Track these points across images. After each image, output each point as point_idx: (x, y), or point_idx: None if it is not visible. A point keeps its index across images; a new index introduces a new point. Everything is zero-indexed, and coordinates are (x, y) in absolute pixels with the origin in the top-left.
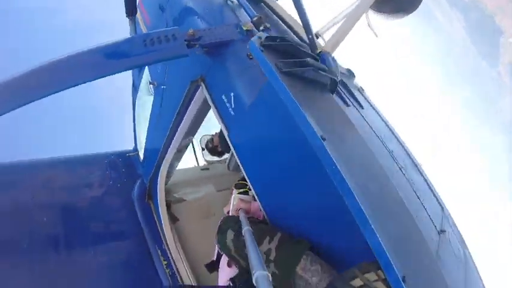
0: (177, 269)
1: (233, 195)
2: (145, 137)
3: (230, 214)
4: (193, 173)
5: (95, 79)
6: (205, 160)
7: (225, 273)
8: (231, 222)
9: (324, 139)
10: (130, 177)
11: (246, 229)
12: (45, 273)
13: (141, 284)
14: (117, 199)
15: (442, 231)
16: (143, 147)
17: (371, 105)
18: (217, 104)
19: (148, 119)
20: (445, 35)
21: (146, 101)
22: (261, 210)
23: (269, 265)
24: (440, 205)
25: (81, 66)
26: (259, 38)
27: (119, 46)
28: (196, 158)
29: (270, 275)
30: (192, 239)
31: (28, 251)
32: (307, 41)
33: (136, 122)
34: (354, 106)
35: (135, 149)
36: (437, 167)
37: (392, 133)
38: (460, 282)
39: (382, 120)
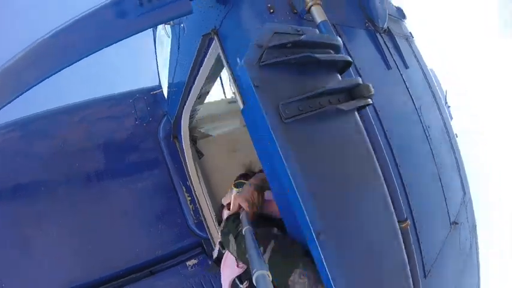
0: (199, 204)
1: (233, 195)
2: (166, 77)
3: (231, 213)
4: (220, 106)
5: (86, 55)
6: (233, 92)
7: (230, 270)
8: (231, 226)
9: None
10: (155, 115)
11: (246, 228)
12: (83, 204)
13: (166, 219)
14: (143, 138)
15: (454, 223)
16: (166, 86)
17: (417, 60)
18: (231, 62)
19: (168, 60)
20: None
21: (164, 40)
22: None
23: None
24: (464, 190)
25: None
26: (256, 50)
27: (106, 11)
28: (224, 90)
29: (269, 274)
30: (216, 175)
31: (67, 186)
32: None
33: (157, 59)
34: (397, 67)
35: (160, 86)
36: None
37: (435, 100)
38: (457, 273)
39: (427, 80)
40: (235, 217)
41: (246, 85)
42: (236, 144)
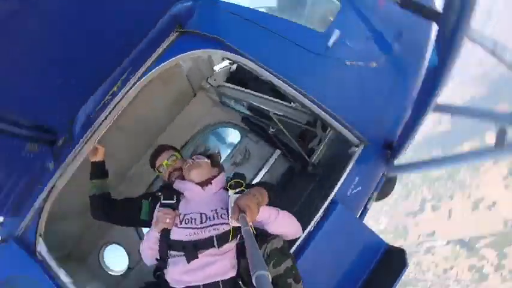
0: None
1: (230, 196)
2: None
3: (230, 216)
4: None
5: None
6: None
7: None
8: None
9: None
10: None
11: (245, 229)
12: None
13: None
14: None
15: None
16: None
17: None
18: None
19: None
20: None
21: None
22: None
23: None
24: None
25: None
26: None
27: None
28: None
29: (269, 274)
30: None
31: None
32: None
33: None
34: None
35: None
36: None
37: None
38: None
39: None
40: None
41: None
42: None
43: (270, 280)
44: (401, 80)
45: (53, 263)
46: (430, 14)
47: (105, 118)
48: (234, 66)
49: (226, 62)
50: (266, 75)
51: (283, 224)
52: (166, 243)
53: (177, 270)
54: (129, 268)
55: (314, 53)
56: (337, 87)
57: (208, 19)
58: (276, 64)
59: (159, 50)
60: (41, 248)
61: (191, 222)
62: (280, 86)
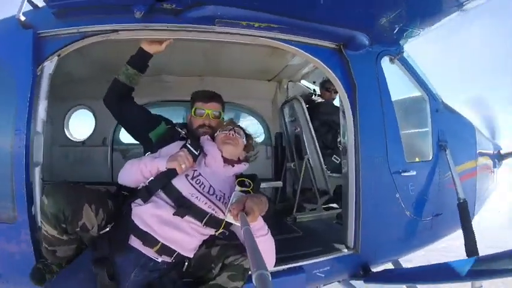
0: None
1: (235, 192)
2: None
3: (228, 210)
4: None
5: None
6: None
7: None
8: None
9: None
10: None
11: (245, 228)
12: None
13: None
14: None
15: None
16: None
17: None
18: None
19: None
20: None
21: None
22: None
23: None
24: None
25: None
26: None
27: None
28: None
29: (269, 274)
30: None
31: None
32: None
33: None
34: None
35: None
36: None
37: None
38: None
39: None
40: None
41: None
42: None
43: (270, 279)
44: None
45: None
46: None
47: None
48: (315, 98)
49: (312, 87)
50: None
51: (266, 246)
52: (164, 183)
53: (152, 211)
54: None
55: None
56: None
57: None
58: None
59: None
60: None
61: (200, 185)
62: None
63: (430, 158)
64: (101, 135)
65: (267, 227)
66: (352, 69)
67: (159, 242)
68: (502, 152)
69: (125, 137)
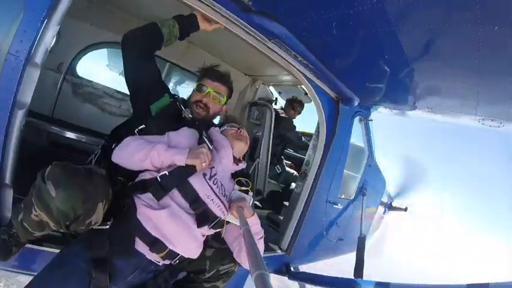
0: None
1: (234, 191)
2: None
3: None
4: None
5: None
6: None
7: None
8: None
9: None
10: None
11: (244, 228)
12: None
13: None
14: None
15: None
16: None
17: None
18: None
19: None
20: None
21: None
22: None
23: None
24: None
25: None
26: None
27: None
28: None
29: (269, 274)
30: None
31: None
32: None
33: None
34: None
35: None
36: None
37: None
38: None
39: None
40: None
41: None
42: None
43: (270, 279)
44: None
45: None
46: None
47: None
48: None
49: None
50: None
51: (260, 248)
52: (179, 180)
53: (169, 220)
54: None
55: None
56: None
57: None
58: None
59: None
60: None
61: (217, 186)
62: None
63: (352, 198)
64: (58, 58)
65: (263, 232)
66: (339, 120)
67: (167, 248)
68: (393, 204)
69: (83, 70)
